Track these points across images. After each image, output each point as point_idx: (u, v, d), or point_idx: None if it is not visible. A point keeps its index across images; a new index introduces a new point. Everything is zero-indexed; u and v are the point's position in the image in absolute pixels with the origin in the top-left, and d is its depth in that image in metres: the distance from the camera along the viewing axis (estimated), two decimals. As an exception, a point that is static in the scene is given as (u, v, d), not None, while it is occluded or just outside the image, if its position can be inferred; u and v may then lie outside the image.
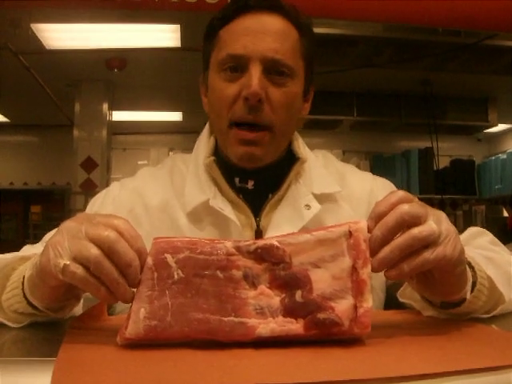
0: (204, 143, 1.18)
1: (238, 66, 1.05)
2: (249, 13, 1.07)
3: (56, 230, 1.09)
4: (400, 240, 0.70)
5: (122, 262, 0.67)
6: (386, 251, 0.70)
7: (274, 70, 1.05)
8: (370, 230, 0.72)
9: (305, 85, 1.13)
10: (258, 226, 1.10)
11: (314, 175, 1.16)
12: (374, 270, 0.71)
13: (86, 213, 0.75)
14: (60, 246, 0.69)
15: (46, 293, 0.76)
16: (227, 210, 1.08)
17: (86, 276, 0.67)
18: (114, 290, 0.68)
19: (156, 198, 1.14)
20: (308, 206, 1.11)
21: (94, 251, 0.67)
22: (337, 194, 1.16)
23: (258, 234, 1.09)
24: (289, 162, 1.14)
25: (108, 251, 0.67)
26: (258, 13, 1.07)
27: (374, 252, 0.71)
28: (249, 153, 1.06)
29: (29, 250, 1.09)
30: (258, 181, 1.11)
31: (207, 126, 1.22)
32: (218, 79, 1.08)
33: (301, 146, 1.17)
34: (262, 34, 1.04)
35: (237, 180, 1.11)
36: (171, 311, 0.69)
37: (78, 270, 0.67)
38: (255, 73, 1.02)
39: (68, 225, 0.71)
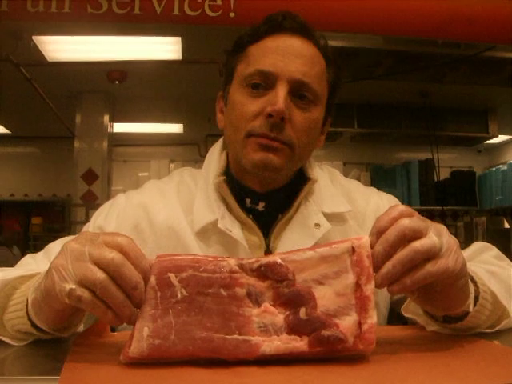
0: (215, 160, 1.16)
1: (263, 84, 1.04)
2: (281, 33, 1.07)
3: (59, 241, 1.12)
4: (402, 254, 0.70)
5: (128, 286, 0.67)
6: (388, 266, 0.70)
7: (299, 93, 1.04)
8: (372, 246, 0.72)
9: (325, 114, 1.12)
10: (267, 246, 1.09)
11: (324, 194, 1.15)
12: (378, 285, 0.70)
13: (89, 232, 0.74)
14: (64, 269, 0.68)
15: (52, 315, 0.75)
16: (235, 232, 1.07)
17: (92, 300, 0.67)
18: (120, 313, 0.68)
19: (162, 214, 1.12)
20: (318, 225, 1.10)
21: (100, 275, 0.66)
22: (346, 212, 1.15)
23: (268, 254, 1.08)
24: (299, 182, 1.13)
25: (113, 274, 0.67)
26: (290, 35, 1.07)
27: (376, 267, 0.71)
28: (266, 160, 1.03)
29: (29, 260, 1.09)
30: (268, 202, 1.10)
31: (219, 142, 1.20)
32: (240, 94, 1.07)
33: (312, 166, 1.16)
34: (293, 56, 1.04)
35: (247, 201, 1.10)
36: (175, 330, 0.68)
37: (84, 294, 0.67)
38: (281, 91, 1.01)
39: (71, 246, 0.70)
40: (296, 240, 1.07)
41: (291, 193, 1.12)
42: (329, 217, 1.12)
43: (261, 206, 1.10)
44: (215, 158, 1.17)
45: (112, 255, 0.67)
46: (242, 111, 1.05)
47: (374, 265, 0.70)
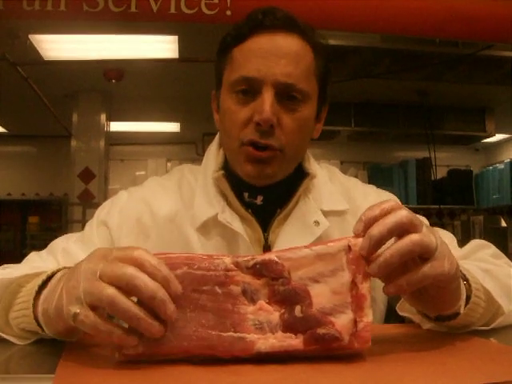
0: (213, 156, 1.17)
1: (250, 89, 1.03)
2: (263, 32, 1.04)
3: (64, 237, 1.14)
4: (400, 244, 0.69)
5: (145, 297, 0.65)
6: (385, 255, 0.68)
7: (286, 94, 1.03)
8: (358, 234, 0.71)
9: (317, 106, 1.11)
10: (266, 240, 1.10)
11: (323, 191, 1.16)
12: (374, 274, 0.69)
13: (103, 248, 0.72)
14: (74, 291, 0.67)
15: (62, 330, 0.75)
16: (235, 225, 1.08)
17: (95, 324, 0.65)
18: (136, 327, 0.65)
19: (164, 208, 1.13)
20: (317, 223, 1.11)
21: (107, 291, 0.64)
22: (344, 210, 1.15)
23: (266, 248, 1.09)
24: (298, 177, 1.13)
25: (127, 288, 0.65)
26: (273, 32, 1.04)
27: (369, 251, 0.69)
28: (259, 171, 1.05)
29: (35, 257, 1.10)
30: (267, 196, 1.10)
31: (216, 138, 1.21)
32: (230, 100, 1.06)
33: (311, 162, 1.16)
34: (276, 57, 1.02)
35: (246, 195, 1.10)
36: (170, 327, 0.68)
37: (88, 318, 0.65)
38: (267, 98, 1.00)
39: (85, 267, 0.69)
40: (295, 236, 1.08)
41: (290, 187, 1.12)
42: (327, 214, 1.13)
43: (259, 200, 1.10)
44: (213, 154, 1.18)
45: (123, 270, 0.65)
46: (233, 119, 1.05)
47: (367, 247, 0.69)
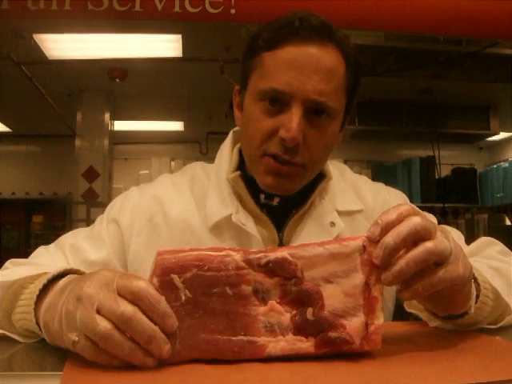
0: (227, 156, 1.15)
1: (278, 100, 0.99)
2: (298, 41, 0.99)
3: (71, 233, 1.15)
4: (415, 253, 0.68)
5: (142, 341, 0.64)
6: (401, 264, 0.68)
7: (314, 110, 0.99)
8: (373, 237, 0.69)
9: (343, 119, 1.09)
10: (280, 240, 1.09)
11: (338, 191, 1.16)
12: (388, 283, 0.69)
13: (106, 272, 0.69)
14: (72, 318, 0.65)
15: (63, 346, 0.72)
16: (249, 226, 1.07)
17: (95, 351, 0.64)
18: (131, 361, 0.65)
19: (176, 208, 1.12)
20: (333, 224, 1.11)
21: (103, 327, 0.63)
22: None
23: None
24: (315, 178, 1.11)
25: (124, 328, 0.64)
26: (308, 42, 0.99)
27: (383, 260, 0.68)
28: (278, 184, 1.03)
29: (42, 252, 1.09)
30: (283, 198, 1.09)
31: (230, 137, 1.19)
32: (255, 108, 1.02)
33: (328, 163, 1.15)
34: (309, 71, 0.97)
35: (262, 196, 1.09)
36: (179, 337, 0.66)
37: (86, 346, 0.64)
38: (296, 115, 0.96)
39: (84, 292, 0.66)
40: (311, 237, 1.06)
41: (306, 189, 1.11)
42: (341, 214, 1.13)
43: (275, 202, 1.09)
44: (227, 153, 1.16)
45: (121, 309, 0.63)
46: (257, 127, 1.01)
47: (380, 256, 0.68)
